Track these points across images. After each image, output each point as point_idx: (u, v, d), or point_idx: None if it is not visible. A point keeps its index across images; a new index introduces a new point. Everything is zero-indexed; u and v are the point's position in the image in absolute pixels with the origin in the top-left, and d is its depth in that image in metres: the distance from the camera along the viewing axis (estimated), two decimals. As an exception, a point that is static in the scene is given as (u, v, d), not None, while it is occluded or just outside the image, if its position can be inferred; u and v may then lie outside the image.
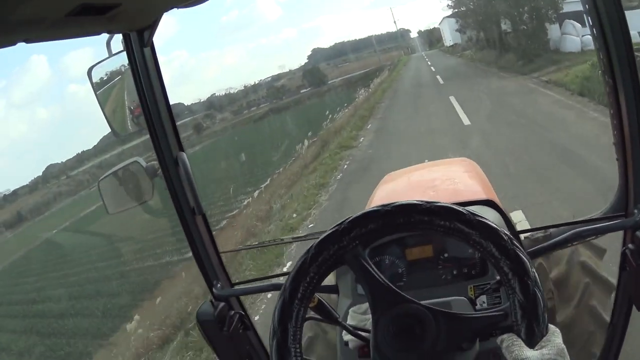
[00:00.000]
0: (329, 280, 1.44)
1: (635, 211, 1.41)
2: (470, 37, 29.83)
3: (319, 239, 1.01)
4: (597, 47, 1.35)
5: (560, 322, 1.97)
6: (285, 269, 5.51)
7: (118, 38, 1.46)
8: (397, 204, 0.99)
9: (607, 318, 1.77)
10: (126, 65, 1.52)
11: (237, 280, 1.76)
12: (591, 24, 1.34)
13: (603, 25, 1.31)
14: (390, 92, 23.10)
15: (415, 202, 0.99)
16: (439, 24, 44.86)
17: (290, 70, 44.38)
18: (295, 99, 39.40)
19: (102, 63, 1.55)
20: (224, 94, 40.04)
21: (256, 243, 3.46)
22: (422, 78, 25.11)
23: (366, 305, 1.24)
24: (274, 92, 41.34)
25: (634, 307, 1.51)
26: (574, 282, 2.05)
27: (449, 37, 40.68)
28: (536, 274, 0.93)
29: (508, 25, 21.73)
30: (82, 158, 32.86)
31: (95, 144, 32.63)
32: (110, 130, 1.64)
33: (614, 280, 1.72)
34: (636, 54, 1.33)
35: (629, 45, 1.30)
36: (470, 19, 26.24)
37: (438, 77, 22.37)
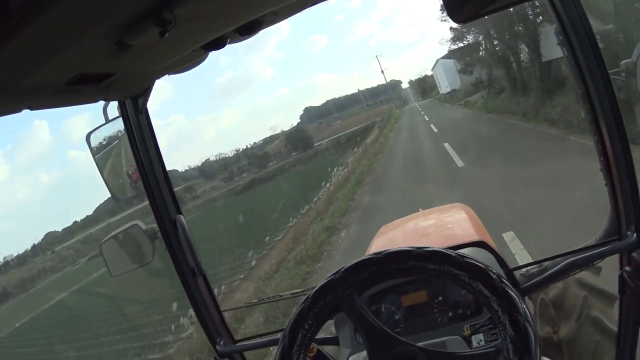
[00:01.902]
0: (330, 332, 1.62)
1: (629, 233, 1.41)
2: (479, 78, 19.70)
3: (315, 288, 1.08)
4: (573, 74, 1.38)
5: (564, 336, 1.94)
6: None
7: (114, 103, 1.54)
8: (388, 251, 1.06)
9: (612, 327, 1.76)
10: (122, 130, 1.58)
11: (239, 337, 1.79)
12: (565, 53, 1.37)
13: (576, 53, 1.34)
14: (367, 189, 12.34)
15: (405, 248, 1.05)
16: (432, 69, 39.99)
17: (282, 131, 42.30)
18: (279, 166, 36.27)
19: (99, 129, 1.61)
20: (214, 159, 39.49)
21: (256, 300, 3.28)
22: (422, 153, 14.57)
23: (365, 353, 1.22)
24: (257, 161, 38.81)
25: None
26: (572, 298, 1.99)
27: (445, 83, 35.25)
28: (526, 309, 0.97)
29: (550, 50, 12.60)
30: (72, 230, 32.16)
31: (89, 213, 32.54)
32: (109, 194, 1.69)
33: (613, 290, 1.70)
34: (613, 76, 1.34)
35: (604, 71, 1.33)
36: (481, 52, 16.23)
37: (447, 147, 12.55)
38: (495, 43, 16.23)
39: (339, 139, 35.79)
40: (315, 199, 14.88)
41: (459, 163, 10.73)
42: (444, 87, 35.31)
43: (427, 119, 25.84)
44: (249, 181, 34.47)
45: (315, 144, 38.29)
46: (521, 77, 14.87)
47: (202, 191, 34.96)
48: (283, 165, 35.40)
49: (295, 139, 38.97)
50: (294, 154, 37.31)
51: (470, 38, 18.05)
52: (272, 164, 36.99)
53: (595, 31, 1.32)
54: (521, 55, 14.61)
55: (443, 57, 31.06)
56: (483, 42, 17.37)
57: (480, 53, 18.36)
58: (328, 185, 16.64)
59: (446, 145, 13.59)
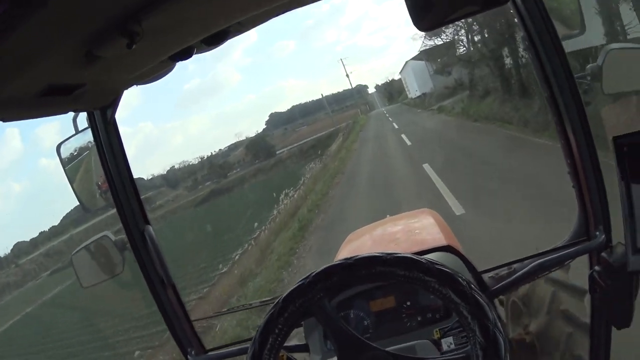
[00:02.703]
0: (300, 339, 1.59)
1: (597, 233, 1.44)
2: (459, 79, 16.47)
3: (285, 293, 1.09)
4: (538, 78, 1.41)
5: (535, 331, 1.96)
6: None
7: (84, 114, 1.54)
8: (358, 257, 1.06)
9: (583, 319, 1.79)
10: (92, 141, 1.60)
11: (210, 346, 1.78)
12: (530, 56, 1.40)
13: (541, 57, 1.36)
14: (313, 240, 8.25)
15: (375, 254, 1.06)
16: (400, 72, 37.21)
17: (247, 138, 40.66)
18: (240, 175, 33.91)
19: (69, 139, 1.60)
20: (178, 167, 37.70)
21: (226, 310, 3.40)
22: (393, 178, 10.39)
23: (335, 359, 1.26)
24: (218, 170, 35.91)
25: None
26: (540, 293, 2.01)
27: (414, 87, 32.32)
28: (496, 316, 0.98)
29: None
30: (37, 241, 30.83)
31: (55, 224, 31.36)
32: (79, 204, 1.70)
33: (581, 284, 1.75)
34: (579, 80, 1.37)
35: (569, 75, 1.35)
36: (463, 49, 12.86)
37: (429, 172, 9.33)
38: (486, 35, 12.67)
39: (302, 147, 34.57)
40: (251, 238, 11.97)
41: (456, 208, 6.45)
42: (413, 90, 34.19)
43: (396, 126, 23.14)
44: (208, 192, 33.02)
45: (278, 152, 37.24)
46: (519, 76, 11.32)
47: (166, 201, 33.80)
48: (244, 175, 34.16)
49: (258, 147, 37.65)
50: (256, 162, 36.10)
51: (449, 32, 14.62)
52: (234, 173, 35.86)
53: (561, 36, 1.35)
54: (520, 48, 11.06)
55: (413, 59, 28.24)
56: (465, 35, 13.95)
57: (462, 49, 14.91)
58: (274, 214, 13.14)
59: (426, 167, 9.80)
